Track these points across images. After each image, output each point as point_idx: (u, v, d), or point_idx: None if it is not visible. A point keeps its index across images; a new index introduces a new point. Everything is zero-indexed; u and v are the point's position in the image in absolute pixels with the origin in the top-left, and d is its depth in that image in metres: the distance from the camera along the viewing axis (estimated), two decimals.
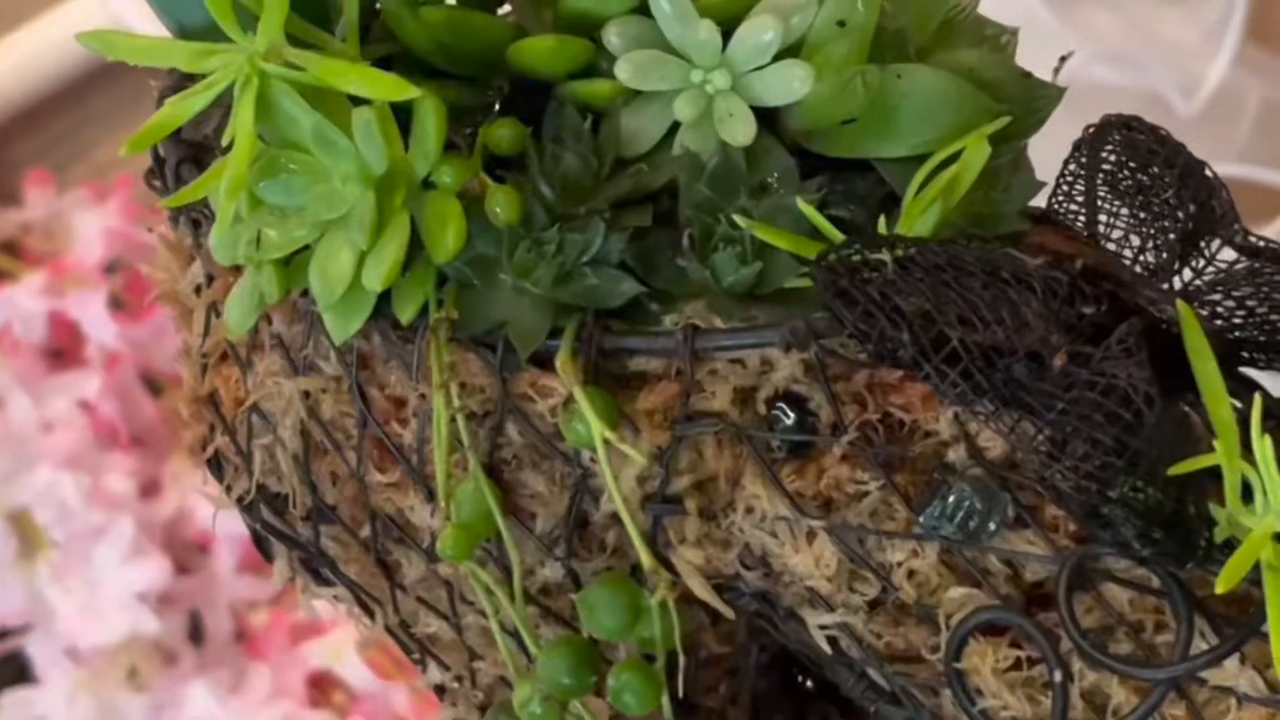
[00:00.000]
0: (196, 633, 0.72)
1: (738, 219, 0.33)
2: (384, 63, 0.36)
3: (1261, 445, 0.28)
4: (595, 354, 0.35)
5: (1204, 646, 0.31)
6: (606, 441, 0.34)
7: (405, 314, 0.35)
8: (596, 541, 0.37)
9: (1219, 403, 0.29)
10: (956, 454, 0.33)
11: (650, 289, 0.35)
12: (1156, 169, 0.36)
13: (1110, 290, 0.33)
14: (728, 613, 0.37)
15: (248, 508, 0.40)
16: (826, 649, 0.35)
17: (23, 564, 0.71)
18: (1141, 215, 0.36)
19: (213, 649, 0.71)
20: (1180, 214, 0.35)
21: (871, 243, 0.31)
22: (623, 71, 0.35)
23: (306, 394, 0.37)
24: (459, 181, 0.34)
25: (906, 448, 0.33)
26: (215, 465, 0.40)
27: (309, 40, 0.36)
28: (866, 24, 0.35)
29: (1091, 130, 0.38)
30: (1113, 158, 0.37)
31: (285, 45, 0.34)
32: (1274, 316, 0.33)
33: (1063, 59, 0.39)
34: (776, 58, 0.35)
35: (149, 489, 0.73)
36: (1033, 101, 0.37)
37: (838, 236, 0.34)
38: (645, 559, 0.33)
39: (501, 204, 0.34)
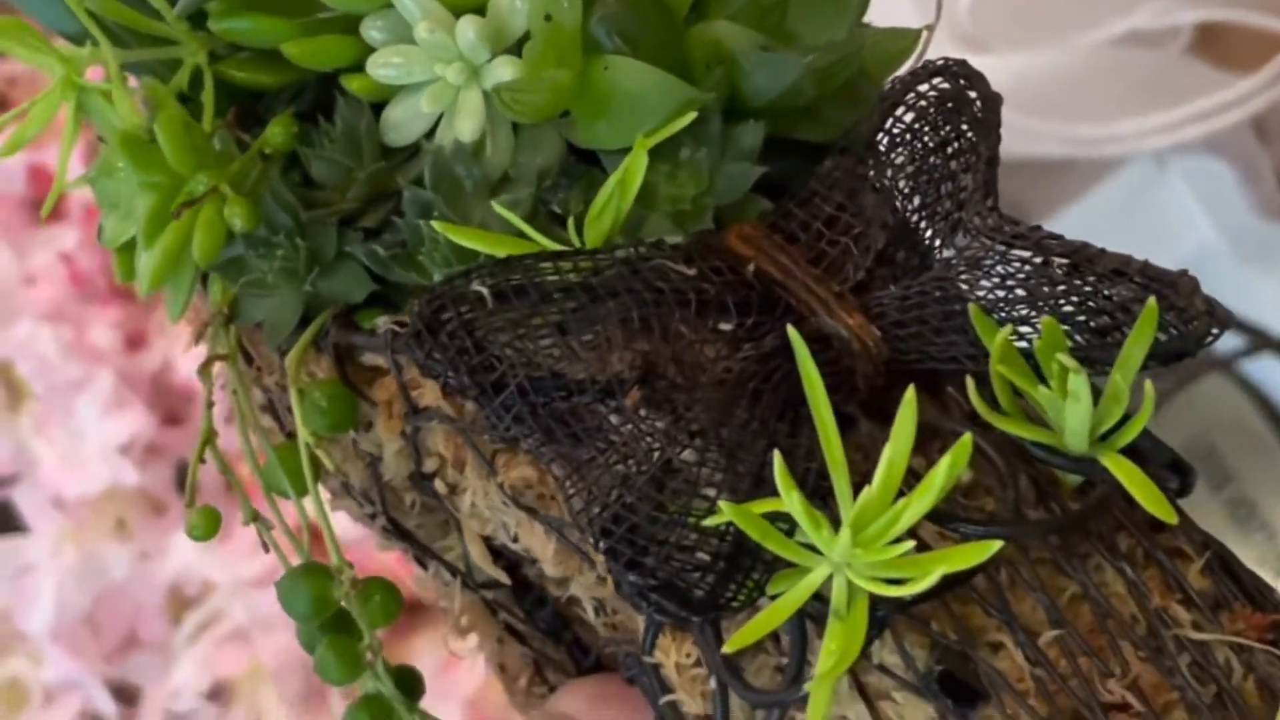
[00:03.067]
0: (185, 482, 0.81)
1: (435, 224, 0.40)
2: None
3: (790, 498, 0.33)
4: (332, 349, 0.43)
5: None
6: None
7: (211, 298, 0.45)
8: (405, 501, 0.46)
9: (827, 436, 0.33)
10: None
11: (391, 286, 0.42)
12: (942, 132, 0.39)
13: (781, 298, 0.36)
14: (502, 578, 0.43)
15: None
16: (591, 615, 0.43)
17: (9, 415, 0.82)
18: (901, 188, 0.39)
19: (200, 499, 0.80)
20: (915, 196, 0.38)
21: (479, 272, 0.36)
22: (372, 65, 0.42)
23: None
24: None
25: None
26: None
27: (157, 34, 0.44)
28: (572, 17, 0.40)
29: (894, 83, 0.41)
30: (909, 116, 0.40)
31: (109, 51, 0.43)
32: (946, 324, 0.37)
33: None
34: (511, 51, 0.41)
35: (135, 341, 0.83)
36: (776, 77, 0.40)
37: (537, 238, 0.38)
38: (331, 553, 0.43)
39: (237, 214, 0.42)
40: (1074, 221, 0.82)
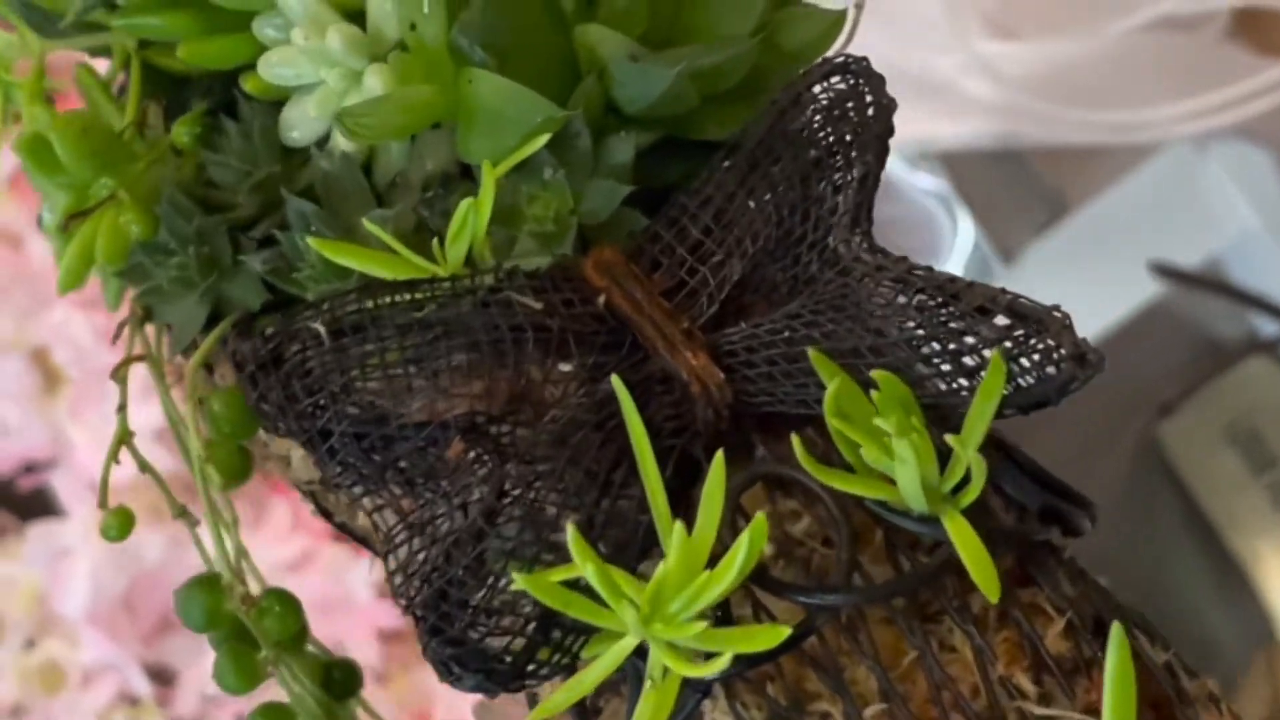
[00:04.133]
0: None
1: (310, 239, 0.39)
2: None
3: (586, 565, 0.31)
4: (231, 356, 0.41)
5: None
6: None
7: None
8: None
9: (653, 492, 0.32)
10: None
11: (286, 295, 0.41)
12: (825, 143, 0.37)
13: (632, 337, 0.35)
14: None
15: None
16: None
17: (46, 400, 0.83)
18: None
19: (241, 491, 0.80)
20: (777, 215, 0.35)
21: (320, 307, 0.36)
22: (263, 66, 0.41)
23: None
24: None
25: None
26: None
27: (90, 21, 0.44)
28: (434, 27, 0.38)
29: (792, 81, 0.38)
30: (797, 122, 0.38)
31: (33, 40, 0.43)
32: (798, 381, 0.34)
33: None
34: None
35: None
36: (645, 87, 0.38)
37: (408, 257, 0.38)
38: (223, 567, 0.43)
39: (133, 222, 0.42)
40: (1112, 206, 0.80)
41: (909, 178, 0.77)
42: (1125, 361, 0.77)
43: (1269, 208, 0.75)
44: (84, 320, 0.82)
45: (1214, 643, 0.75)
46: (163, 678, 0.83)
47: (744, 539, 0.30)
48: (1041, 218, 0.79)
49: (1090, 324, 0.77)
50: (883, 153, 0.37)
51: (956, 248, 0.79)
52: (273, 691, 0.46)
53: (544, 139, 0.37)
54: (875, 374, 0.32)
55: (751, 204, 0.36)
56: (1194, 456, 0.77)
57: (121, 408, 0.46)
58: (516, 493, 0.33)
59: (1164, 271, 0.76)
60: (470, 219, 0.37)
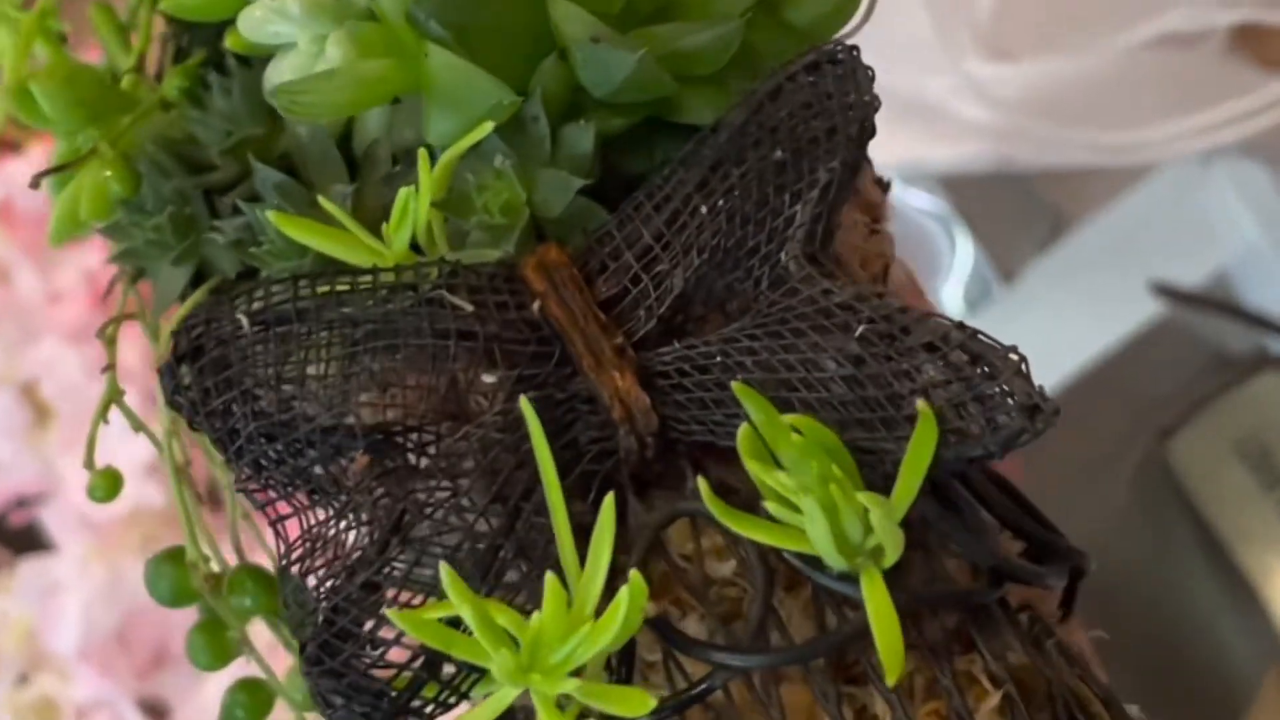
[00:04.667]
0: (216, 499, 0.80)
1: (270, 213, 0.37)
2: None
3: (463, 605, 0.29)
4: None
5: None
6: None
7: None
8: None
9: (559, 526, 0.30)
10: None
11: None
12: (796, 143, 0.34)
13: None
14: None
15: None
16: None
17: (36, 434, 0.81)
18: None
19: (230, 516, 0.78)
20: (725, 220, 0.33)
21: (248, 294, 0.33)
22: (242, 22, 0.38)
23: None
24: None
25: None
26: None
27: None
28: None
29: (771, 79, 0.35)
30: (774, 116, 0.35)
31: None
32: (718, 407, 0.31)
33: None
34: None
35: None
36: (606, 73, 0.35)
37: (362, 238, 0.35)
38: (188, 543, 0.41)
39: (113, 179, 0.40)
40: (1114, 223, 0.76)
41: (905, 196, 0.75)
42: (1131, 378, 0.75)
43: (1273, 223, 0.72)
44: (73, 354, 0.81)
45: (1225, 660, 0.73)
46: (157, 712, 0.81)
47: (622, 597, 0.28)
48: (1042, 235, 0.77)
49: (1094, 341, 0.75)
50: (855, 159, 0.33)
51: (955, 267, 0.76)
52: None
53: (486, 129, 0.34)
54: (795, 419, 0.29)
55: (704, 210, 0.33)
56: (1203, 473, 0.74)
57: (109, 367, 0.44)
58: (421, 514, 0.31)
59: (1163, 291, 0.74)
60: (411, 208, 0.34)
